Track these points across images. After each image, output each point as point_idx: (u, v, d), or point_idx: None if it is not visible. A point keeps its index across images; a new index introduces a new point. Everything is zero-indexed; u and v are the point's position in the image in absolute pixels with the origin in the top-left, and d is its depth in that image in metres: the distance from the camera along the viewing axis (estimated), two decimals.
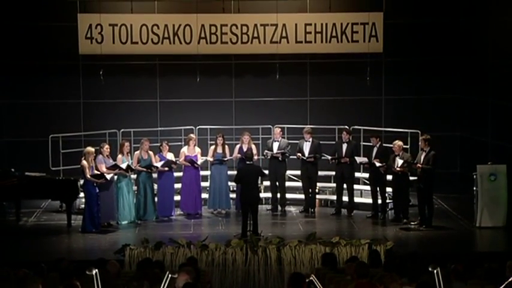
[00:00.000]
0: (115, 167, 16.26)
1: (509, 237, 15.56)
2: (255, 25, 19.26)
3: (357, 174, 17.95)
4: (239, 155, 17.24)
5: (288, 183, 17.96)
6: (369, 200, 17.22)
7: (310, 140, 17.30)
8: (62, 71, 19.65)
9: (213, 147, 17.53)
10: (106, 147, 16.43)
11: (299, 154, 17.28)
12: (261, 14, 19.37)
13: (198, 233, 15.71)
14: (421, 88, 20.01)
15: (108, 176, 16.09)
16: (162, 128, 19.39)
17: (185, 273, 8.93)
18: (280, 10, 19.14)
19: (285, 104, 20.05)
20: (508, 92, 17.86)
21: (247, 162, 15.70)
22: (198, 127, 18.80)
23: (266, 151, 17.56)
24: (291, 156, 17.56)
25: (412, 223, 16.18)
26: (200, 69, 19.32)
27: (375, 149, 16.82)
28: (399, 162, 16.18)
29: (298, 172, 17.81)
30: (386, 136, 17.96)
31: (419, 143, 16.32)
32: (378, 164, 16.52)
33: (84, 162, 15.88)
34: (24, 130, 19.71)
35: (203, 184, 17.70)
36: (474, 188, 16.14)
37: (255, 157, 17.00)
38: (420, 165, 15.92)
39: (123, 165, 16.28)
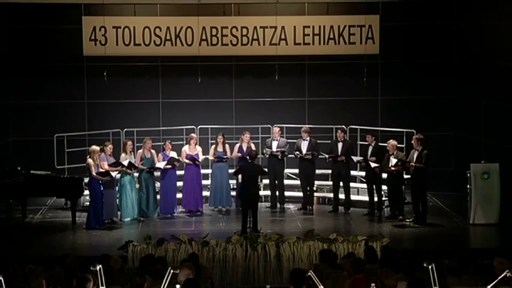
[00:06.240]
0: (116, 164, 16.33)
1: (501, 234, 15.70)
2: (255, 27, 19.30)
3: (353, 173, 18.00)
4: (239, 154, 17.39)
5: (286, 181, 18.04)
6: (365, 198, 17.33)
7: (308, 138, 17.36)
8: (67, 72, 19.65)
9: (213, 146, 17.64)
10: (109, 147, 16.51)
11: (297, 152, 17.35)
12: (260, 16, 19.39)
13: (199, 229, 15.81)
14: (416, 89, 19.99)
15: (113, 174, 16.20)
16: (164, 128, 19.40)
17: (187, 269, 9.07)
18: (280, 13, 19.16)
19: (284, 104, 20.05)
20: (499, 92, 17.92)
21: (249, 161, 15.83)
22: (199, 127, 18.87)
23: (266, 149, 17.66)
24: (289, 155, 17.66)
25: (407, 220, 16.30)
26: (201, 70, 19.26)
27: (370, 148, 16.92)
28: (393, 161, 16.24)
29: (297, 170, 17.89)
30: (382, 136, 18.05)
31: (412, 142, 16.38)
32: (373, 165, 16.58)
33: (90, 160, 15.97)
34: (30, 130, 19.67)
35: (204, 182, 17.80)
36: (468, 186, 16.25)
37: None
38: (413, 164, 16.04)
39: (125, 163, 16.36)
